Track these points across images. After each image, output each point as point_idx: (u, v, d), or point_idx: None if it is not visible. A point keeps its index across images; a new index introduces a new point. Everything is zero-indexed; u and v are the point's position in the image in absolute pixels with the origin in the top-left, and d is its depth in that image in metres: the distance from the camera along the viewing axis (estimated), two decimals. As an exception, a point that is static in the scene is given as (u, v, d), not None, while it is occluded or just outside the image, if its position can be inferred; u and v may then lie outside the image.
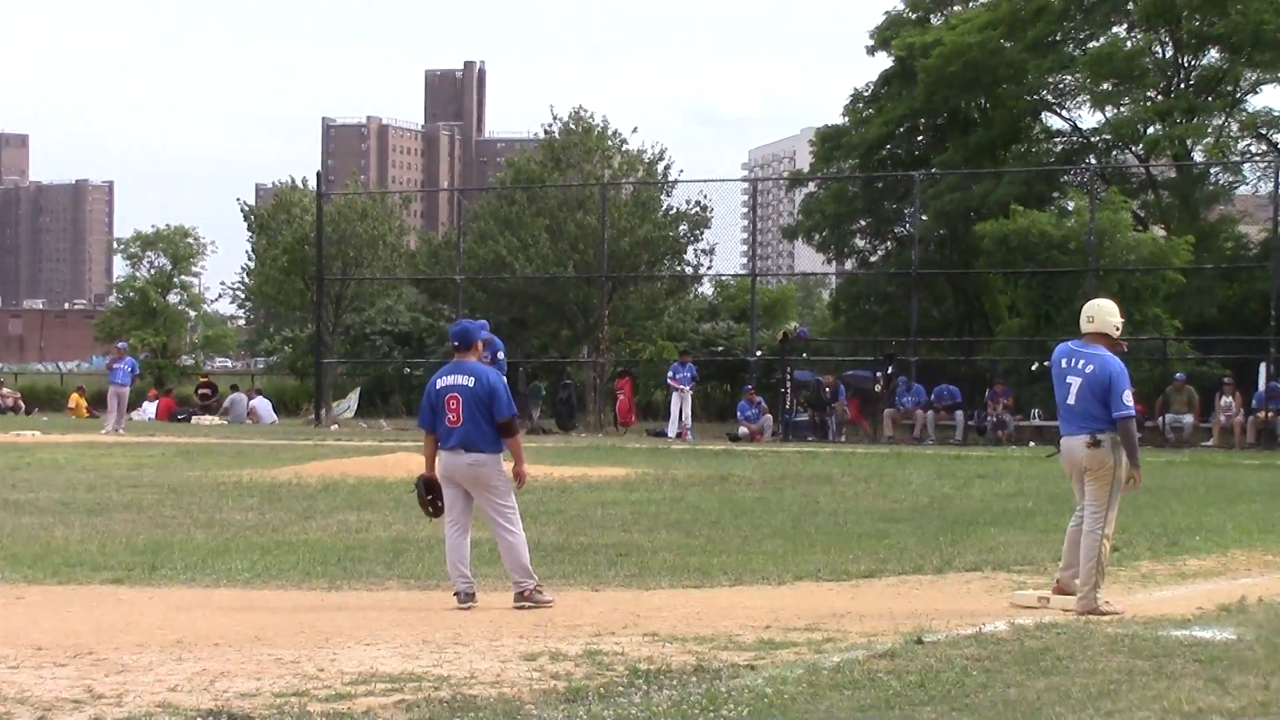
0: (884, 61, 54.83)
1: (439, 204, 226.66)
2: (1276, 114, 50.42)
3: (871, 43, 55.38)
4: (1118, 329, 13.47)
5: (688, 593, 14.24)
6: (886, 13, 55.61)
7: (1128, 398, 13.00)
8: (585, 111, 53.29)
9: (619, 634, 11.70)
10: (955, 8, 54.82)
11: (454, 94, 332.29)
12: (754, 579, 15.05)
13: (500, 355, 26.68)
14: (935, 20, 54.97)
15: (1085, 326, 13.43)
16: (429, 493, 13.77)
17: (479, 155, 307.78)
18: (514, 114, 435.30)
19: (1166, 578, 15.34)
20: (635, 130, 76.47)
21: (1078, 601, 12.92)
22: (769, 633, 11.73)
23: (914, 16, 55.35)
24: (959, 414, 41.43)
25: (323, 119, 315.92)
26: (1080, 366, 13.18)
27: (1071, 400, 13.18)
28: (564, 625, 12.17)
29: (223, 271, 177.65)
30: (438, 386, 13.53)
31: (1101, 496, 13.11)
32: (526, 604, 13.15)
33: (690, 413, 42.48)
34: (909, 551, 16.96)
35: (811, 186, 57.32)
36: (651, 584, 14.71)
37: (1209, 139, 50.32)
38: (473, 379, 13.39)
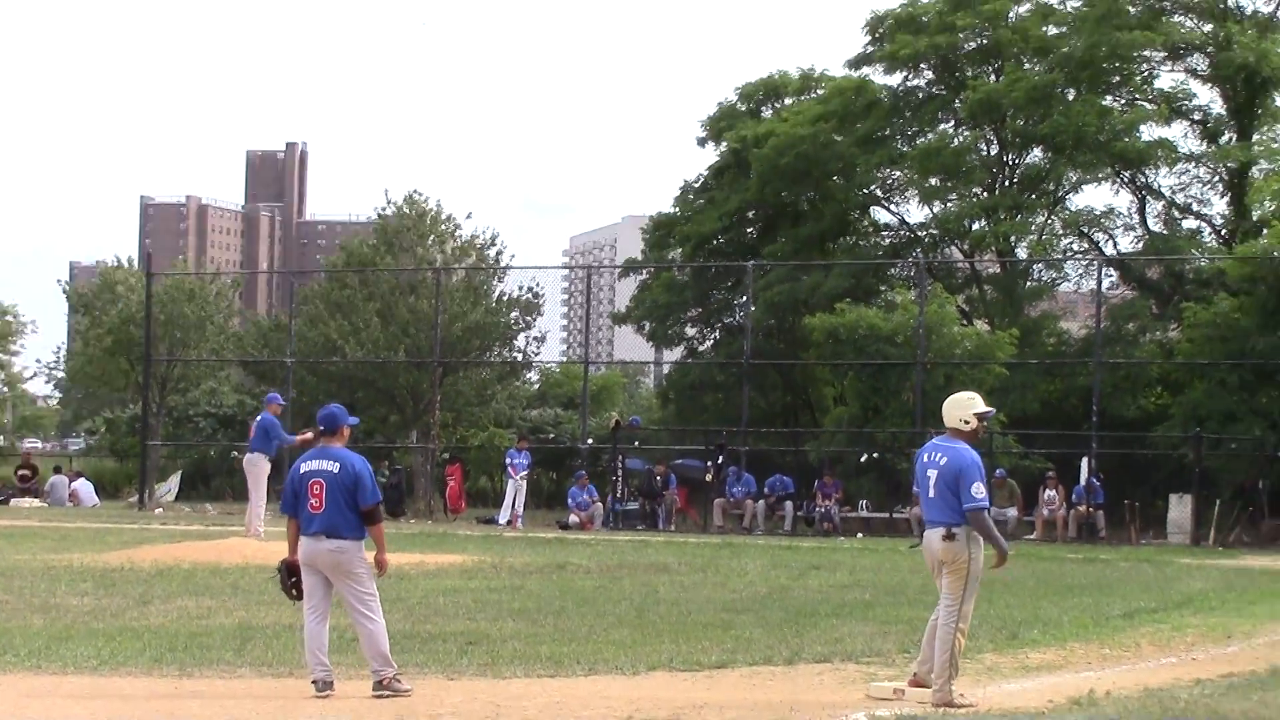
0: (711, 154, 55.79)
1: (258, 286, 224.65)
2: (1097, 213, 51.84)
3: (704, 134, 56.15)
4: (966, 423, 13.75)
5: (543, 682, 14.28)
6: (719, 104, 56.46)
7: (977, 490, 13.30)
8: (419, 195, 53.45)
9: (481, 724, 11.75)
10: (787, 100, 55.68)
11: (275, 174, 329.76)
12: (607, 669, 15.13)
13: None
14: (767, 113, 55.85)
15: (954, 424, 13.77)
16: (291, 576, 13.72)
17: (300, 236, 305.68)
18: (336, 196, 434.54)
19: (1011, 670, 15.66)
20: (470, 216, 76.45)
21: (933, 694, 13.19)
22: (632, 723, 11.84)
23: (745, 109, 56.18)
24: (788, 505, 41.82)
25: (141, 197, 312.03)
26: (937, 460, 13.53)
27: (931, 494, 13.49)
28: (426, 714, 12.19)
29: (36, 350, 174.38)
30: (301, 471, 13.51)
31: (956, 589, 13.40)
32: (386, 693, 13.13)
33: (523, 500, 42.45)
34: (756, 642, 17.11)
35: (643, 275, 57.73)
36: (506, 673, 14.74)
37: (1032, 236, 51.49)
38: (337, 464, 13.40)
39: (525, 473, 42.21)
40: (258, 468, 29.72)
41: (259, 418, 30.48)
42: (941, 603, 13.51)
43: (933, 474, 13.49)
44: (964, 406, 13.81)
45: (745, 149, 51.99)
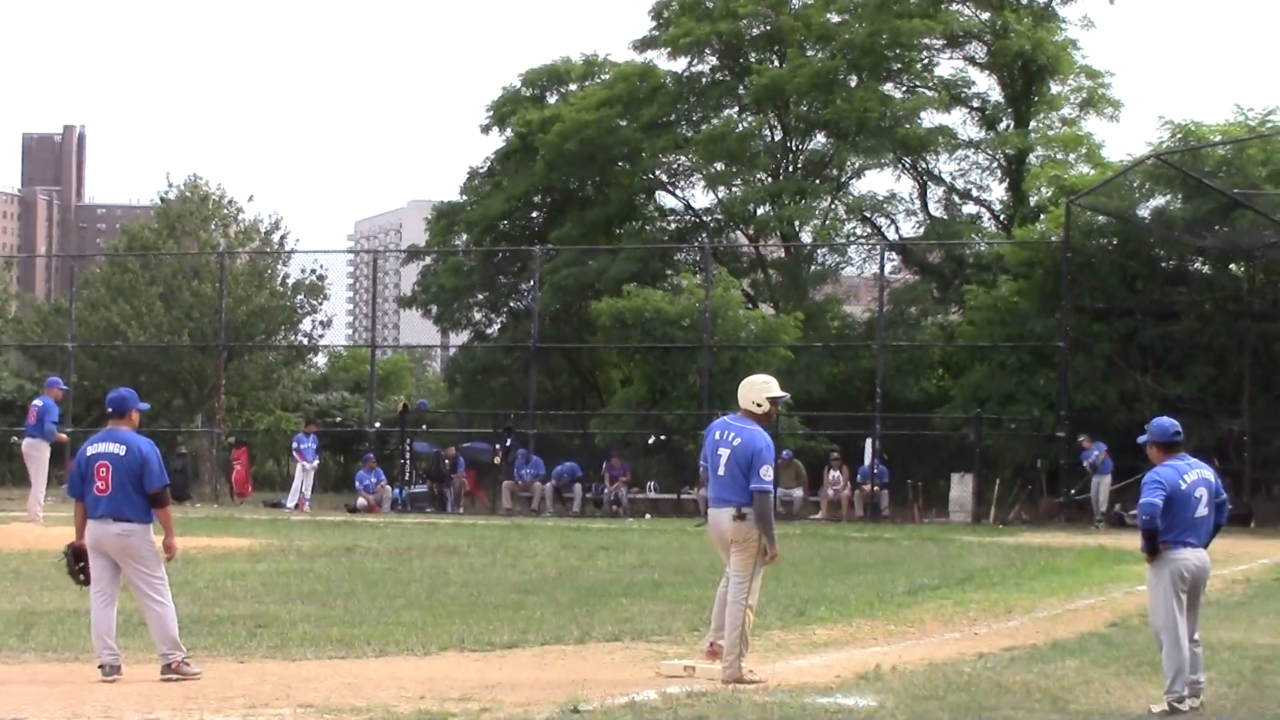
0: (497, 140, 55.58)
1: (37, 270, 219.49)
2: (880, 198, 52.62)
3: (488, 120, 55.91)
4: (759, 406, 13.81)
5: (335, 663, 14.19)
6: (504, 89, 56.26)
7: (766, 473, 13.38)
8: (201, 179, 52.69)
9: (273, 706, 11.66)
10: (572, 85, 55.69)
11: (53, 158, 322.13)
12: (399, 650, 15.07)
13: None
14: (552, 98, 55.80)
15: (749, 407, 13.80)
16: (78, 561, 13.46)
17: (79, 220, 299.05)
18: (116, 181, 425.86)
19: (799, 647, 15.88)
20: (251, 199, 75.58)
21: (724, 670, 13.32)
22: (424, 703, 11.81)
23: (529, 94, 56.05)
24: (577, 487, 41.92)
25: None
26: (730, 439, 13.57)
27: (721, 472, 13.52)
28: (216, 698, 12.04)
29: None
30: (88, 454, 13.27)
31: (746, 568, 13.47)
32: (174, 676, 12.95)
33: (310, 484, 42.03)
34: (547, 622, 17.16)
35: (428, 260, 57.48)
36: (296, 655, 14.62)
37: (816, 221, 52.13)
38: (124, 447, 13.18)
39: (314, 459, 41.79)
40: (38, 452, 29.18)
41: (38, 402, 29.91)
42: (731, 581, 13.57)
43: (725, 453, 13.51)
44: (758, 389, 13.83)
45: (531, 134, 51.91)
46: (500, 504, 41.97)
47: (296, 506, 40.62)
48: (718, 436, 13.70)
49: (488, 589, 20.80)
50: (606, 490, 41.61)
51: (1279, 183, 39.84)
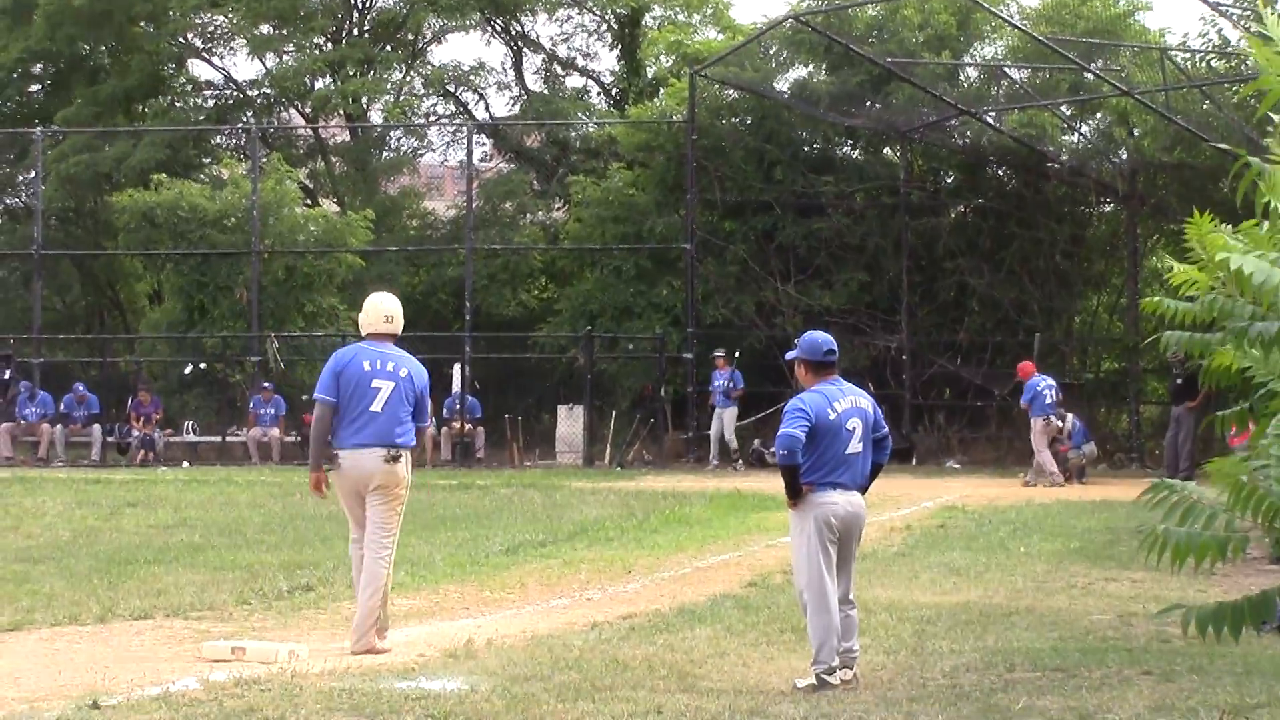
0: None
1: None
2: (465, 69, 52.64)
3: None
4: (390, 320, 14.64)
5: None
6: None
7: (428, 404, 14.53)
8: None
9: None
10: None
11: None
12: None
13: None
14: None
15: (382, 327, 14.47)
16: None
17: None
18: None
19: (375, 620, 15.86)
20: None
21: (354, 639, 13.99)
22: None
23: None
24: (96, 428, 41.10)
25: None
26: (394, 371, 14.22)
27: (377, 407, 14.09)
28: None
29: None
30: None
31: (393, 517, 14.29)
32: None
33: None
34: (59, 598, 16.82)
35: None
36: None
37: (389, 97, 51.96)
38: None
39: None
40: None
41: None
42: (372, 534, 14.21)
43: (386, 385, 14.17)
44: (397, 304, 14.75)
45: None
46: (-1, 451, 40.95)
47: None
48: (367, 367, 14.22)
49: (-18, 559, 20.31)
50: (134, 432, 40.91)
51: (939, 50, 41.08)
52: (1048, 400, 33.48)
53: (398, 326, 14.56)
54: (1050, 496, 29.82)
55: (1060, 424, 33.87)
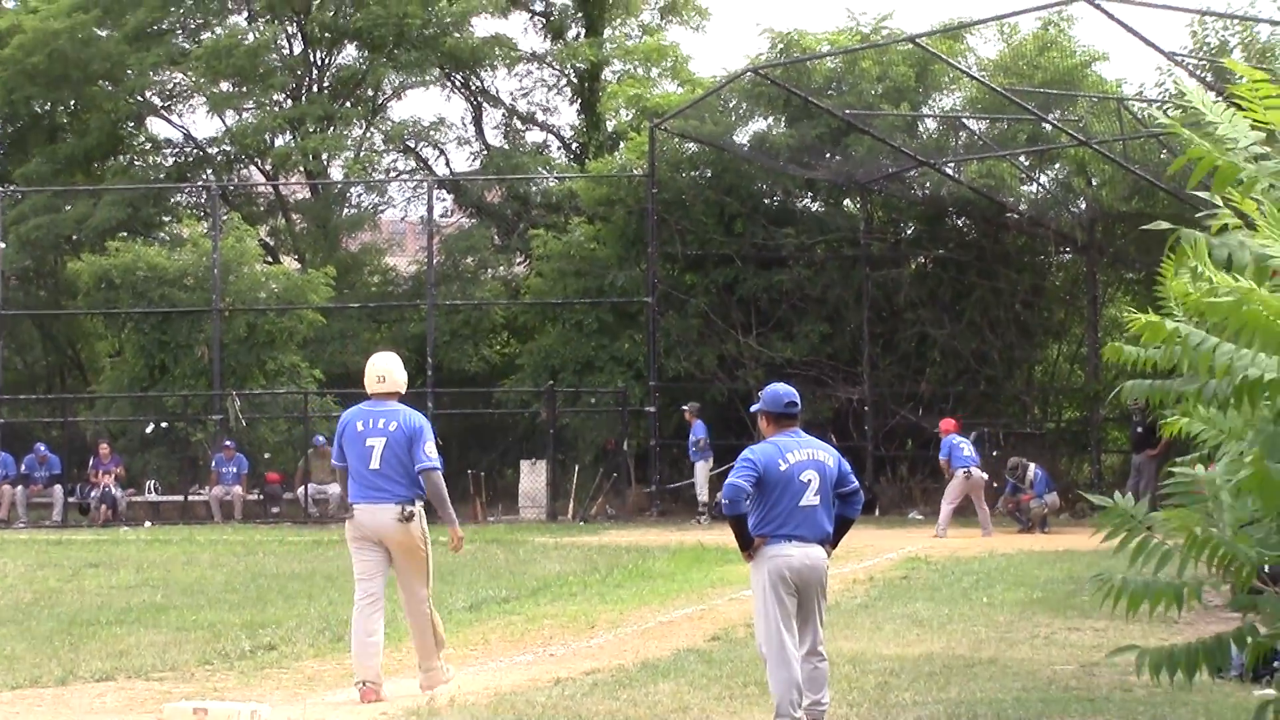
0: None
1: None
2: (426, 125, 52.66)
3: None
4: (381, 380, 15.16)
5: None
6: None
7: (431, 450, 14.91)
8: None
9: None
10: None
11: None
12: None
13: None
14: (9, 2, 54.22)
15: (376, 386, 15.05)
16: None
17: None
18: None
19: (336, 678, 15.85)
20: None
21: (423, 676, 14.85)
22: None
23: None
24: (57, 489, 40.99)
25: None
26: (383, 426, 14.71)
27: (375, 465, 14.76)
28: None
29: None
30: None
31: (420, 569, 14.97)
32: None
33: None
34: (20, 660, 16.80)
35: None
36: None
37: (349, 153, 51.92)
38: None
39: None
40: None
41: None
42: (406, 591, 14.98)
43: (378, 442, 14.78)
44: (392, 360, 15.38)
45: (-13, 47, 50.40)
46: (-43, 514, 40.80)
47: None
48: (361, 427, 14.87)
49: (-59, 623, 20.22)
50: (95, 492, 40.79)
51: (897, 102, 41.25)
52: (964, 453, 33.68)
53: (393, 384, 15.11)
54: (1012, 547, 29.86)
55: (983, 475, 34.05)
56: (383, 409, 14.93)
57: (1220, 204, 7.67)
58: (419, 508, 14.75)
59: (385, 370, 15.15)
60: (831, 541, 12.78)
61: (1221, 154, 7.59)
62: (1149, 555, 7.69)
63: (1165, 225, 7.79)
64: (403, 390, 15.20)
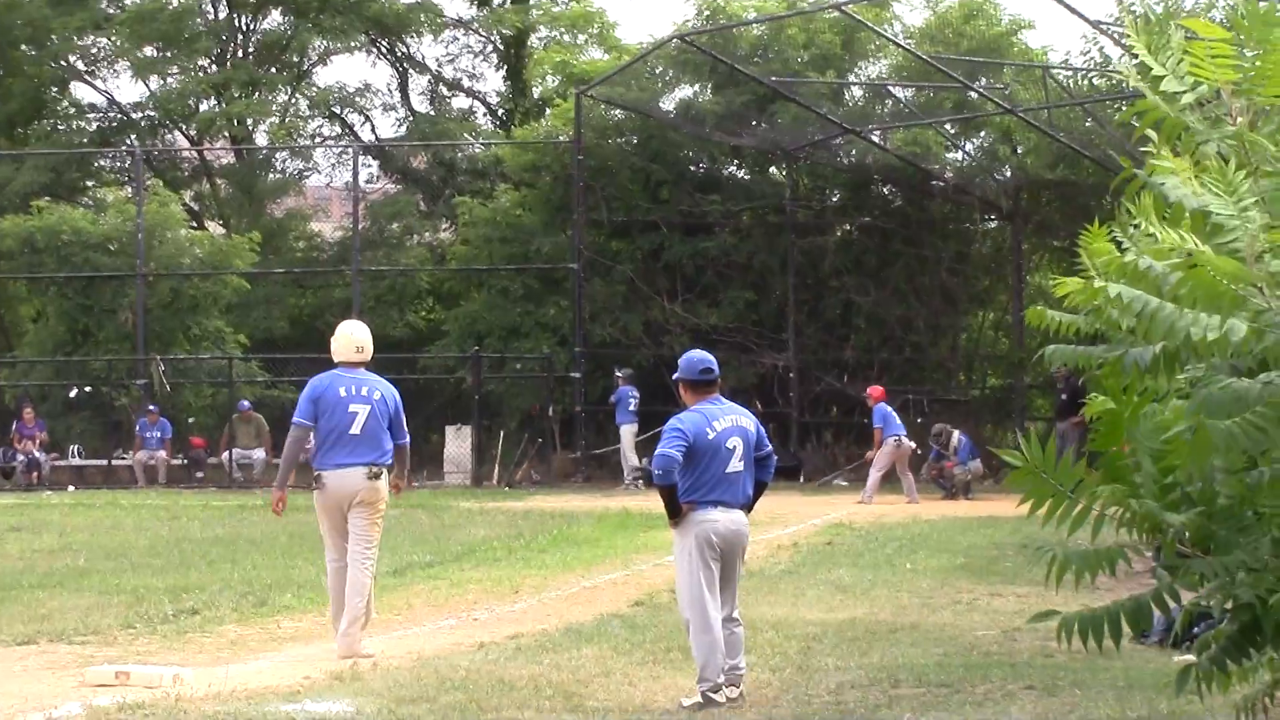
0: None
1: None
2: (351, 90, 52.50)
3: None
4: (360, 350, 15.89)
5: None
6: None
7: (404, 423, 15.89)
8: None
9: None
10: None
11: None
12: None
13: None
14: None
15: (353, 356, 15.75)
16: None
17: None
18: None
19: (260, 642, 15.81)
20: None
21: (341, 642, 14.79)
22: None
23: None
24: (-22, 453, 40.79)
25: None
26: (367, 394, 15.46)
27: (356, 430, 15.29)
28: None
29: None
30: None
31: (374, 529, 15.36)
32: None
33: None
34: (-61, 626, 16.69)
35: None
36: None
37: (274, 119, 51.74)
38: None
39: None
40: None
41: None
42: (355, 546, 15.13)
43: (362, 409, 15.33)
44: (367, 334, 16.06)
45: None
46: (-123, 480, 40.51)
47: None
48: (344, 393, 15.35)
49: None
50: (18, 456, 40.54)
51: (824, 70, 41.29)
52: (896, 421, 33.77)
53: (368, 355, 15.81)
54: (936, 513, 29.94)
55: (911, 444, 34.10)
56: (362, 377, 15.57)
57: (1164, 157, 7.61)
58: (385, 472, 15.34)
59: (363, 341, 15.79)
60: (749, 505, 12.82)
61: (1173, 109, 7.57)
62: (1078, 523, 7.65)
63: (1116, 160, 7.79)
64: (369, 361, 15.86)
